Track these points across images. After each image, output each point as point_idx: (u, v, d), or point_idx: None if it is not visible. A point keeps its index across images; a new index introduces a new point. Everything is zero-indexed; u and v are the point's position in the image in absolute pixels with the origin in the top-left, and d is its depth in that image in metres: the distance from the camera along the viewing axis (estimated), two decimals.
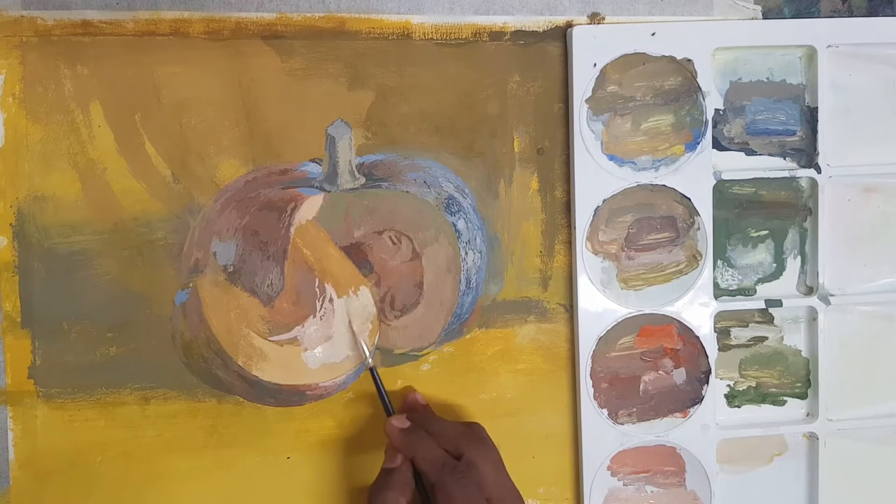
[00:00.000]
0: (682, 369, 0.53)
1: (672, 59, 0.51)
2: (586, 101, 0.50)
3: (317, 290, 0.49)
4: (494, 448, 0.45)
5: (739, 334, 0.54)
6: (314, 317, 0.49)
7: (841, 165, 0.53)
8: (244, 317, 0.49)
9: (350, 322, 0.49)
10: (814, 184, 0.53)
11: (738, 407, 0.55)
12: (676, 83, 0.51)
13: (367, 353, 0.48)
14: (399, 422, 0.45)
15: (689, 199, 0.52)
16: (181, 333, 0.49)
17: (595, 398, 0.52)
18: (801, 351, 0.55)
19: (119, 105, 0.47)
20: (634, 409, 0.53)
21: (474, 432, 0.45)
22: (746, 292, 0.54)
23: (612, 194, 0.51)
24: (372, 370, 0.48)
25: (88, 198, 0.47)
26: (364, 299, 0.50)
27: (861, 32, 0.52)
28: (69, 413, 0.48)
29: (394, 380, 0.51)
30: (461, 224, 0.50)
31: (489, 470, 0.42)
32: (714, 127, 0.52)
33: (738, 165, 0.53)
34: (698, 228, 0.52)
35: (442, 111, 0.50)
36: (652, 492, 0.54)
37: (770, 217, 0.54)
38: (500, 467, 0.44)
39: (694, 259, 0.53)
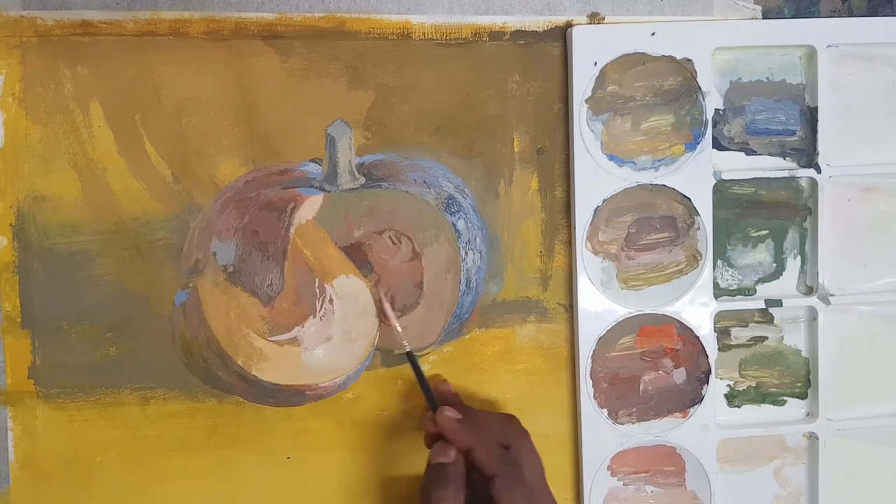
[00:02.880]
0: (682, 369, 0.53)
1: (672, 58, 0.51)
2: (586, 100, 0.50)
3: (317, 290, 0.49)
4: (530, 439, 0.45)
5: (739, 334, 0.54)
6: (314, 317, 0.49)
7: (841, 165, 0.53)
8: (244, 317, 0.49)
9: (384, 307, 0.47)
10: (814, 184, 0.53)
11: (738, 407, 0.55)
12: (676, 83, 0.51)
13: (403, 339, 0.47)
14: (453, 413, 0.44)
15: (689, 198, 0.52)
16: (181, 333, 0.49)
17: (595, 398, 0.52)
18: (801, 351, 0.55)
19: (119, 105, 0.47)
20: (634, 409, 0.53)
21: (516, 424, 0.45)
22: (746, 292, 0.54)
23: (612, 194, 0.51)
24: (409, 354, 0.46)
25: (88, 198, 0.47)
26: (364, 299, 0.50)
27: (861, 32, 0.52)
28: (69, 413, 0.48)
29: (393, 380, 0.51)
30: (461, 224, 0.50)
31: (534, 460, 0.43)
32: (714, 127, 0.52)
33: (738, 165, 0.53)
34: (698, 228, 0.52)
35: (442, 111, 0.50)
36: (652, 492, 0.54)
37: (770, 217, 0.54)
38: (539, 458, 0.44)
39: (694, 259, 0.53)
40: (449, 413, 0.44)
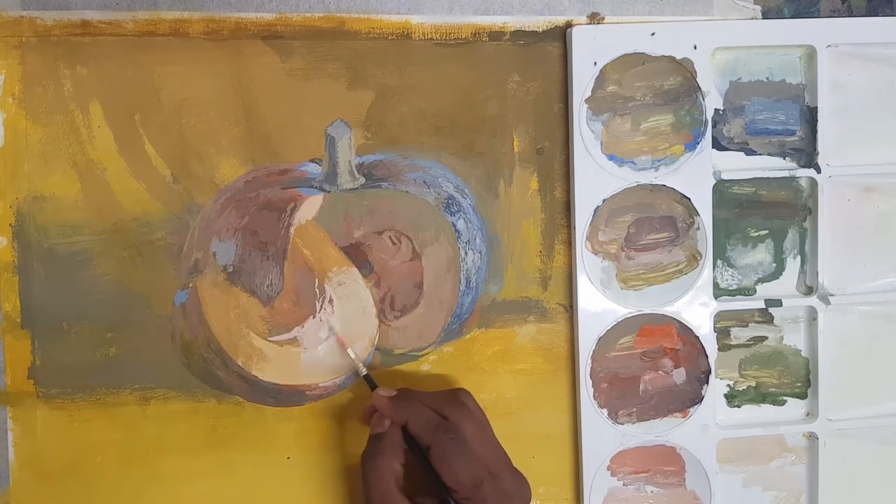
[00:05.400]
0: (682, 369, 0.53)
1: (672, 58, 0.51)
2: (586, 100, 0.50)
3: (316, 290, 0.49)
4: (478, 410, 0.47)
5: (739, 334, 0.54)
6: (314, 317, 0.49)
7: (840, 165, 0.53)
8: (244, 317, 0.49)
9: (332, 330, 0.49)
10: (813, 183, 0.53)
11: (738, 407, 0.55)
12: (676, 83, 0.51)
13: (360, 363, 0.49)
14: (386, 391, 0.46)
15: (689, 198, 0.52)
16: (181, 333, 0.49)
17: (595, 398, 0.52)
18: (800, 351, 0.55)
19: (119, 105, 0.47)
20: (634, 409, 0.53)
21: (455, 397, 0.46)
22: (746, 292, 0.54)
23: (612, 194, 0.51)
24: (366, 377, 0.49)
25: (88, 198, 0.47)
26: (364, 299, 0.50)
27: (861, 32, 0.52)
28: (69, 413, 0.48)
29: (394, 380, 0.51)
30: (461, 224, 0.50)
31: (473, 430, 0.44)
32: (714, 127, 0.52)
33: (737, 165, 0.53)
34: (698, 228, 0.52)
35: (442, 111, 0.50)
36: (652, 492, 0.54)
37: (770, 217, 0.54)
38: (485, 429, 0.46)
39: (694, 259, 0.53)
40: (382, 392, 0.46)
